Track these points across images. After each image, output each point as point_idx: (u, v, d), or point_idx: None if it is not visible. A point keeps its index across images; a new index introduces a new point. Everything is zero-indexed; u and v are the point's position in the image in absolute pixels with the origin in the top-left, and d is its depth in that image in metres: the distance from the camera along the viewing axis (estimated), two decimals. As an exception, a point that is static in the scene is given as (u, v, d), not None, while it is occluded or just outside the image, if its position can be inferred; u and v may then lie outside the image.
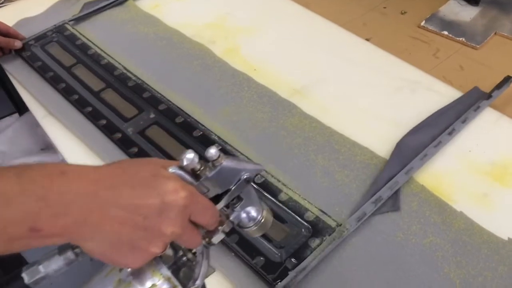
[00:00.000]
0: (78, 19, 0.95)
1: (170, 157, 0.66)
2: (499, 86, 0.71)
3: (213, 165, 0.38)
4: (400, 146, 0.64)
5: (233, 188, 0.40)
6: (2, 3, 1.07)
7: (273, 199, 0.59)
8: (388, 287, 0.51)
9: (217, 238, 0.41)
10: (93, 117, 0.73)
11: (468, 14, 0.88)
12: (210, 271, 0.41)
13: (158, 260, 0.38)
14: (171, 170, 0.37)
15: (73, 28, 0.92)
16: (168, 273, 0.38)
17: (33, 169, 0.33)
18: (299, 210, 0.58)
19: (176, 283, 0.38)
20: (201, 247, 0.40)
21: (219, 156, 0.38)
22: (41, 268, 0.36)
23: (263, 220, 0.42)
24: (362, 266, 0.53)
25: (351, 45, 0.85)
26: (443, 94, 0.72)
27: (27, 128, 1.42)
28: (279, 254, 0.54)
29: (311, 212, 0.57)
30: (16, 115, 1.39)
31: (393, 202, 0.58)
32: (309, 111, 0.72)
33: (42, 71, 0.83)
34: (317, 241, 0.54)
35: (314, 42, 0.86)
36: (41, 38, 0.90)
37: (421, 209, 0.57)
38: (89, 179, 0.34)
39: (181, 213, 0.35)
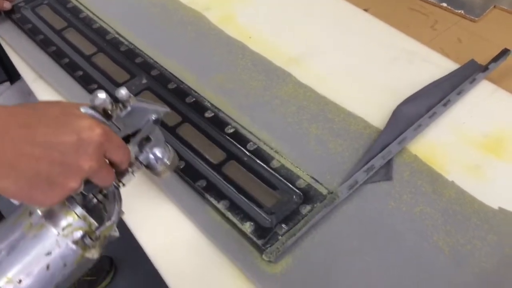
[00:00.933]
0: (70, -18, 0.92)
1: (163, 123, 0.65)
2: (496, 58, 0.70)
3: (123, 106, 0.40)
4: (395, 115, 0.63)
5: (142, 128, 0.42)
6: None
7: (265, 165, 0.59)
8: (378, 255, 0.51)
9: (127, 179, 0.42)
10: (84, 81, 0.72)
11: (468, -14, 0.87)
12: (121, 213, 0.42)
13: (72, 200, 0.39)
14: (82, 109, 0.38)
15: (64, -10, 0.90)
16: (82, 211, 0.39)
17: None
18: (291, 177, 0.57)
19: (92, 221, 0.39)
20: (113, 187, 0.41)
21: (129, 97, 0.40)
22: None
23: (169, 161, 0.45)
24: (353, 233, 0.53)
25: (349, 15, 0.83)
26: (439, 66, 0.72)
27: (19, 96, 1.40)
28: (269, 220, 0.53)
29: (303, 179, 0.57)
30: (8, 83, 1.36)
31: (386, 171, 0.58)
32: (304, 80, 0.71)
33: (32, 34, 0.81)
34: (308, 207, 0.54)
35: (312, 11, 0.84)
36: (32, 0, 0.88)
37: (413, 178, 0.57)
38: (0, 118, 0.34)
39: (98, 149, 0.36)
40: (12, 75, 1.24)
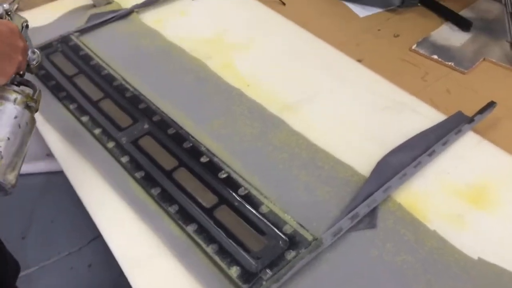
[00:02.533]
0: (83, 31, 0.99)
1: (160, 167, 0.69)
2: (482, 110, 0.73)
3: (8, 15, 0.66)
4: (381, 165, 0.66)
5: (22, 30, 0.67)
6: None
7: (254, 211, 0.61)
8: (358, 301, 0.53)
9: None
10: (90, 125, 0.76)
11: (459, 39, 0.91)
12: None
13: (9, 85, 0.59)
14: None
15: (77, 39, 0.96)
16: (20, 88, 0.60)
17: None
18: (278, 223, 0.60)
19: (28, 91, 0.61)
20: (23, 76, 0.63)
21: (12, 9, 0.67)
22: None
23: (39, 60, 0.66)
24: (336, 281, 0.55)
25: (342, 65, 0.87)
26: (427, 117, 0.74)
27: (33, 134, 1.45)
28: (255, 265, 0.56)
29: (290, 225, 0.59)
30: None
31: (370, 220, 0.60)
32: (297, 127, 0.75)
33: (46, 79, 0.86)
34: (293, 253, 0.56)
35: (307, 61, 0.89)
36: (47, 48, 0.94)
37: (396, 226, 0.59)
38: None
39: (20, 34, 0.58)
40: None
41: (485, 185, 0.64)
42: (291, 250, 0.57)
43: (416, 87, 0.81)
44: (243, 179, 0.66)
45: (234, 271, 0.55)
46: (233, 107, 0.79)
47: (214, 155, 0.70)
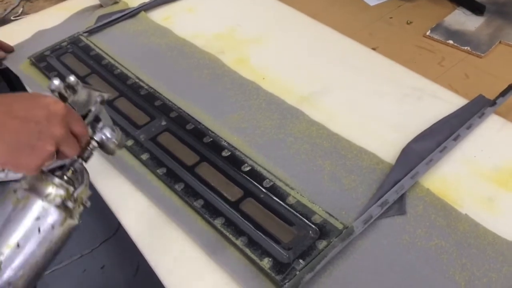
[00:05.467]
0: (92, 31, 0.98)
1: (181, 162, 0.68)
2: (503, 93, 0.72)
3: (74, 90, 0.49)
4: (406, 151, 0.65)
5: (92, 109, 0.50)
6: (19, 16, 1.11)
7: (281, 202, 0.61)
8: (394, 288, 0.52)
9: (88, 155, 0.50)
10: (107, 124, 0.76)
11: (473, 23, 0.90)
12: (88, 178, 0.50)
13: (47, 174, 0.46)
14: (44, 93, 0.46)
15: (87, 39, 0.95)
16: (59, 180, 0.46)
17: None
18: (307, 213, 0.59)
19: (69, 186, 0.46)
20: (78, 164, 0.49)
21: (77, 82, 0.48)
22: None
23: (117, 141, 0.52)
24: (369, 268, 0.54)
25: (357, 54, 0.87)
26: (448, 102, 0.74)
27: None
28: (287, 255, 0.55)
29: (318, 215, 0.59)
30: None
31: (399, 206, 0.59)
32: (316, 118, 0.74)
33: (58, 80, 0.85)
34: (324, 242, 0.55)
35: (322, 52, 0.88)
36: (57, 49, 0.93)
37: (426, 212, 0.58)
38: None
39: (64, 119, 0.44)
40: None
41: (513, 167, 0.63)
42: (322, 240, 0.56)
43: (434, 73, 0.81)
44: (267, 171, 0.65)
45: (266, 263, 0.54)
46: (250, 101, 0.78)
47: (235, 148, 0.69)
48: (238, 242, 0.57)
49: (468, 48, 0.84)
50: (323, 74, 0.83)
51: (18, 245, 0.42)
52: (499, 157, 0.65)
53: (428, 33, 0.89)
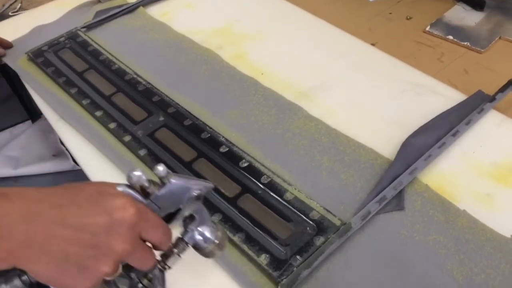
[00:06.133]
0: (90, 26, 0.98)
1: (179, 158, 0.68)
2: (502, 89, 0.72)
3: (162, 182, 0.38)
4: (405, 147, 0.64)
5: (184, 206, 0.39)
6: (17, 11, 1.10)
7: (279, 198, 0.60)
8: (392, 284, 0.52)
9: (173, 261, 0.40)
10: (104, 120, 0.75)
11: (473, 19, 0.90)
12: None
13: (113, 285, 0.37)
14: (119, 188, 0.37)
15: (85, 34, 0.95)
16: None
17: None
18: (304, 209, 0.59)
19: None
20: (157, 270, 0.39)
21: (167, 173, 0.38)
22: None
23: (217, 241, 0.41)
24: (367, 263, 0.54)
25: (356, 50, 0.86)
26: (447, 97, 0.73)
27: (40, 134, 1.45)
28: (284, 252, 0.55)
29: (316, 211, 0.58)
30: (29, 122, 1.42)
31: (397, 202, 0.59)
32: (315, 113, 0.73)
33: (55, 76, 0.85)
34: (322, 239, 0.55)
35: (320, 47, 0.88)
36: (55, 44, 0.93)
37: (424, 208, 0.58)
38: (31, 199, 0.33)
39: (131, 230, 0.34)
40: (33, 114, 1.30)
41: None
42: (319, 236, 0.56)
43: (433, 68, 0.80)
44: (265, 167, 0.65)
45: (263, 259, 0.54)
46: (249, 96, 0.78)
47: (233, 144, 0.68)
48: (236, 239, 0.56)
49: (468, 44, 0.84)
50: (322, 69, 0.83)
51: None
52: (498, 153, 0.64)
53: (427, 28, 0.89)
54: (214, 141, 0.69)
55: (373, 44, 0.87)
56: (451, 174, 0.62)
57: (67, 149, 0.97)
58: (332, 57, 0.85)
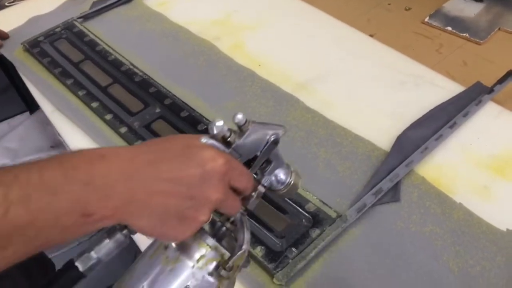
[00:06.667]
0: (87, 17, 0.97)
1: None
2: (501, 80, 0.71)
3: (241, 131, 0.39)
4: (401, 139, 0.64)
5: (262, 151, 0.40)
6: (13, 2, 1.09)
7: (275, 190, 0.60)
8: (388, 275, 0.51)
9: (253, 203, 0.41)
10: (100, 111, 0.75)
11: (472, 10, 0.89)
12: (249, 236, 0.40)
13: (202, 231, 0.38)
14: (203, 140, 0.38)
15: (81, 25, 0.94)
16: (214, 242, 0.38)
17: (73, 156, 0.33)
18: (300, 202, 0.58)
19: (224, 251, 0.38)
20: (239, 214, 0.40)
21: (246, 121, 0.39)
22: (93, 254, 0.37)
23: (292, 182, 0.43)
24: (363, 254, 0.54)
25: (355, 41, 0.86)
26: (446, 89, 0.73)
27: (38, 126, 1.44)
28: (280, 244, 0.55)
29: (312, 203, 0.58)
30: (27, 113, 1.41)
31: (393, 194, 0.59)
32: (312, 105, 0.73)
33: (51, 66, 0.85)
34: (318, 231, 0.55)
35: (319, 38, 0.87)
36: (51, 35, 0.92)
37: (421, 200, 0.58)
38: (126, 158, 0.34)
39: (222, 179, 0.36)
40: (31, 106, 1.29)
41: (509, 155, 0.62)
42: (315, 228, 0.55)
43: (432, 60, 0.79)
44: (261, 158, 0.64)
45: (259, 251, 0.54)
46: (246, 88, 0.78)
47: (229, 136, 0.68)
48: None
49: (467, 35, 0.83)
50: (320, 61, 0.82)
51: None
52: (495, 145, 0.64)
53: (426, 19, 0.88)
54: (210, 133, 0.69)
55: (371, 35, 0.86)
56: (448, 167, 0.62)
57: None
58: (330, 48, 0.84)
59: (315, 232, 0.55)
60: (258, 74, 0.80)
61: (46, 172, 0.31)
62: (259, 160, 0.40)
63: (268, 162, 0.42)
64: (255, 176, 0.41)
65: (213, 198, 0.35)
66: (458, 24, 0.86)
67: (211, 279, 0.37)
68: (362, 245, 0.55)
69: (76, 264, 0.37)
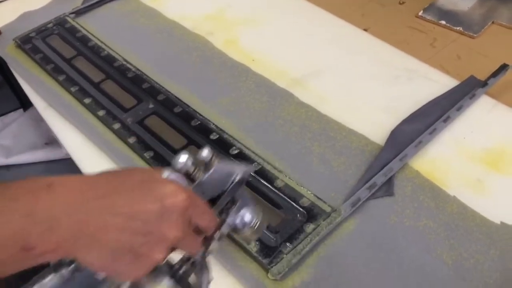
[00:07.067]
0: (79, 12, 0.96)
1: (168, 146, 0.67)
2: (495, 74, 0.71)
3: (206, 167, 0.38)
4: (395, 133, 0.64)
5: (227, 189, 0.38)
6: (4, -3, 1.08)
7: (269, 185, 0.60)
8: (382, 268, 0.52)
9: (214, 245, 0.40)
10: (93, 107, 0.74)
11: (466, 3, 0.89)
12: (210, 281, 0.40)
13: (159, 271, 0.36)
14: (165, 174, 0.37)
15: (73, 20, 0.93)
16: (171, 283, 0.36)
17: (17, 186, 0.32)
18: (295, 196, 0.58)
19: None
20: (199, 256, 0.39)
21: (212, 157, 0.38)
22: None
23: (258, 223, 0.41)
24: (357, 248, 0.54)
25: (349, 36, 0.85)
26: (440, 83, 0.73)
27: (31, 123, 1.44)
28: (274, 239, 0.54)
29: (306, 198, 0.58)
30: (21, 110, 1.41)
31: (387, 187, 0.59)
32: (306, 100, 0.73)
33: (43, 63, 0.84)
34: (312, 226, 0.55)
35: (313, 33, 0.87)
36: (43, 31, 0.91)
37: (415, 194, 0.58)
38: (76, 189, 0.32)
39: (182, 216, 0.34)
40: (25, 103, 1.29)
41: (503, 148, 0.63)
42: (309, 223, 0.55)
43: (426, 54, 0.79)
44: (255, 154, 0.64)
45: (253, 246, 0.54)
46: (240, 83, 0.77)
47: (223, 131, 0.68)
48: (225, 225, 0.56)
49: (461, 29, 0.83)
50: (314, 56, 0.82)
51: None
52: (488, 138, 0.64)
53: (420, 13, 0.88)
54: (204, 129, 0.69)
55: (365, 30, 0.86)
56: (442, 160, 0.62)
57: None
58: (324, 43, 0.84)
59: (309, 227, 0.55)
60: (253, 70, 0.79)
61: None
62: (223, 199, 0.39)
63: (233, 201, 0.40)
64: (219, 216, 0.40)
65: (170, 235, 0.33)
66: (452, 17, 0.86)
67: None
68: (356, 239, 0.55)
69: None
